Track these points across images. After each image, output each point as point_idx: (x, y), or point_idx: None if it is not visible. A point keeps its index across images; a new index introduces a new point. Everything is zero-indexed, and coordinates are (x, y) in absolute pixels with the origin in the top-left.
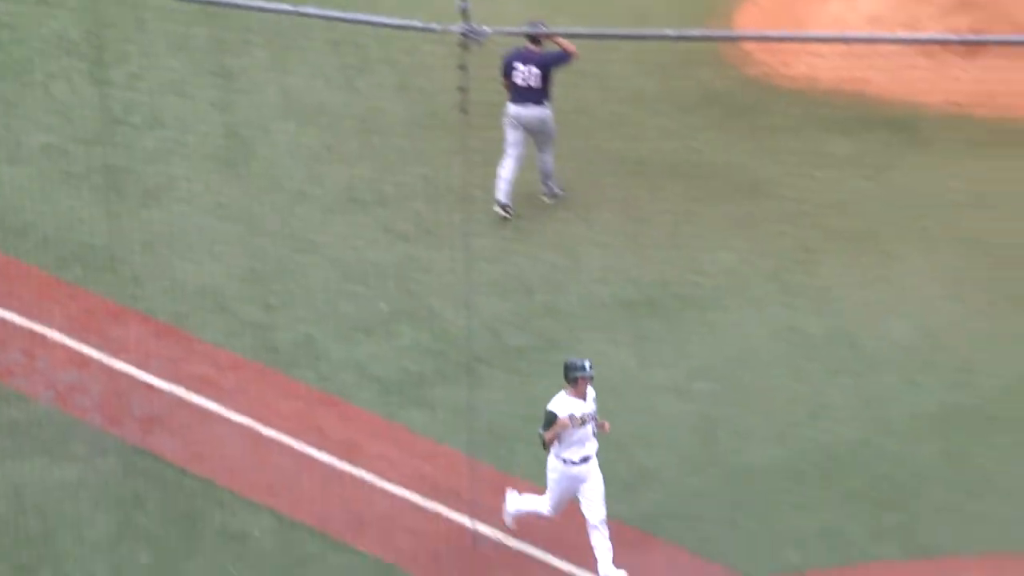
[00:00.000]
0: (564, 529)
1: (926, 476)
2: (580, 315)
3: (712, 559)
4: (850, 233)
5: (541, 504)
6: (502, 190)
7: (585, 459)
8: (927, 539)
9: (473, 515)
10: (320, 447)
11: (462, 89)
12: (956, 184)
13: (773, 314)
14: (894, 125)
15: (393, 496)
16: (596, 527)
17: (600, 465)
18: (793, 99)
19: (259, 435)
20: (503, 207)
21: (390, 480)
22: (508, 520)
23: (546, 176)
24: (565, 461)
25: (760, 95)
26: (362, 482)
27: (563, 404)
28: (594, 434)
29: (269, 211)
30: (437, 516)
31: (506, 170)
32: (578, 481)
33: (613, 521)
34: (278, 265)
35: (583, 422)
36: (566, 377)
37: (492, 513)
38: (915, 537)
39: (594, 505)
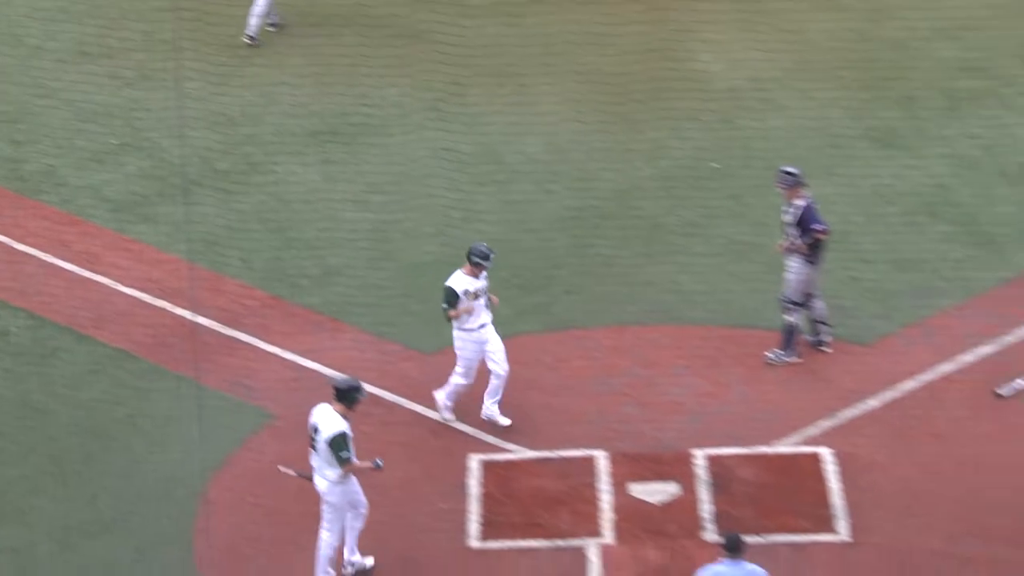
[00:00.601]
0: (270, 319)
1: (558, 265)
2: (275, 142)
3: (391, 339)
4: (492, 69)
5: (456, 379)
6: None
7: (483, 326)
8: (561, 315)
9: (193, 309)
10: (65, 258)
11: None
12: (575, 27)
13: (431, 137)
14: None
15: (128, 296)
16: (501, 376)
17: (292, 263)
18: None
19: (13, 249)
20: (271, 25)
21: (124, 284)
22: (445, 412)
23: (255, 15)
24: (468, 331)
25: None
26: (101, 286)
27: (460, 281)
28: (487, 306)
29: (13, 63)
30: (164, 311)
31: (259, 7)
32: (481, 343)
33: (305, 310)
34: (22, 108)
35: (476, 296)
36: (468, 258)
37: (209, 307)
38: (552, 314)
39: (499, 360)
